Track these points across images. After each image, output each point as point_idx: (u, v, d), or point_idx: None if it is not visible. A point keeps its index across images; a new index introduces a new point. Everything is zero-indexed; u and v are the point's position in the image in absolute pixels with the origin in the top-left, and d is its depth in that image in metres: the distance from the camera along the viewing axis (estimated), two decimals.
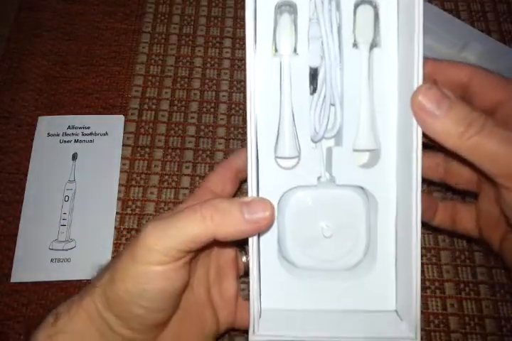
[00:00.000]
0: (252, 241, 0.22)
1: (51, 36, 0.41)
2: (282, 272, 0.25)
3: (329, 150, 0.25)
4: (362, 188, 0.25)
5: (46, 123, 0.37)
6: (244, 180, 0.30)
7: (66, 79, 0.39)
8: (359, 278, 0.25)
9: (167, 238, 0.21)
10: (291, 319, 0.23)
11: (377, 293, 0.25)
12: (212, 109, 0.38)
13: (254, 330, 0.22)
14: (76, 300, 0.22)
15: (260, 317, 0.23)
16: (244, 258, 0.29)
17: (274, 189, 0.24)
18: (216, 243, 0.22)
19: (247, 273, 0.29)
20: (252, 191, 0.22)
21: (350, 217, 0.25)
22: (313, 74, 0.24)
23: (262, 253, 0.24)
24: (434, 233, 0.34)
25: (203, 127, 0.38)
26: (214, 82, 0.39)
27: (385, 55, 0.24)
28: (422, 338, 0.31)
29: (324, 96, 0.24)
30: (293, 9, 0.24)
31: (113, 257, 0.23)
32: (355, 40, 0.24)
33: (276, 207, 0.24)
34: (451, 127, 0.21)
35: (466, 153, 0.21)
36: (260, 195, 0.23)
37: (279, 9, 0.24)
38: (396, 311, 0.24)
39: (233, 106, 0.38)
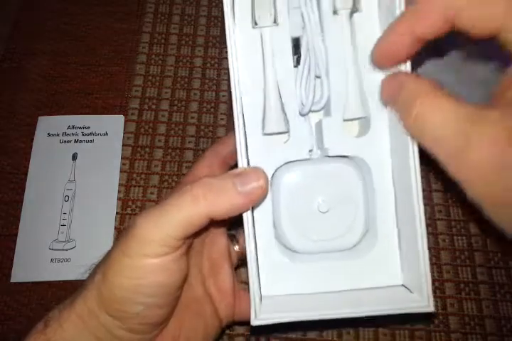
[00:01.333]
0: (247, 223, 0.21)
1: (51, 36, 0.41)
2: (280, 255, 0.24)
3: (319, 122, 0.24)
4: (355, 159, 0.24)
5: (46, 123, 0.37)
6: (232, 167, 0.30)
7: (66, 79, 0.39)
8: (361, 256, 0.24)
9: (161, 226, 0.20)
10: (293, 302, 0.23)
11: (382, 269, 0.24)
12: (212, 109, 0.38)
13: (256, 315, 0.21)
14: (67, 305, 0.21)
15: (261, 301, 0.22)
16: (236, 247, 0.28)
17: (264, 166, 0.23)
18: (213, 224, 0.21)
19: (240, 264, 0.28)
20: (240, 165, 0.22)
21: (346, 190, 0.24)
22: (296, 45, 0.24)
23: (258, 236, 0.23)
24: (434, 233, 0.34)
25: (203, 127, 0.38)
26: (214, 82, 0.39)
27: (366, 20, 0.23)
28: (421, 338, 0.31)
29: (309, 67, 0.23)
30: None
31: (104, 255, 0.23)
32: (334, 7, 0.23)
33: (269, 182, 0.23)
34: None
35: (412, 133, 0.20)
36: None
37: None
38: (403, 285, 0.23)
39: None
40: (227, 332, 0.31)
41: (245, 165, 0.22)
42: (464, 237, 0.34)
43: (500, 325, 0.32)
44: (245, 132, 0.22)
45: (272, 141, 0.24)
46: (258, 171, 0.21)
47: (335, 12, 0.23)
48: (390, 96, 0.21)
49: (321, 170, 0.24)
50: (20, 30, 0.41)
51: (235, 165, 0.31)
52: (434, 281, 0.33)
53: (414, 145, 0.21)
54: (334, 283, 0.24)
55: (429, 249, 0.33)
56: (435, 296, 0.32)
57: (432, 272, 0.33)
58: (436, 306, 0.32)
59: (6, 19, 0.41)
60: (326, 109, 0.24)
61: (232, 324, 0.28)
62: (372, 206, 0.24)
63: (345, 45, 0.24)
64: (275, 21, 0.23)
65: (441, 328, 0.32)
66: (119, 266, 0.20)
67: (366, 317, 0.21)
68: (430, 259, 0.33)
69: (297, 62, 0.24)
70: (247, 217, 0.22)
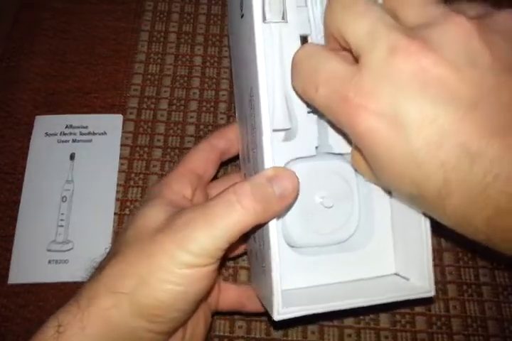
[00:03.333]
0: (274, 225, 0.22)
1: (50, 35, 0.40)
2: (284, 249, 0.24)
3: (324, 119, 0.24)
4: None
5: (44, 123, 0.37)
6: (224, 162, 0.30)
7: (64, 78, 0.39)
8: (359, 248, 0.25)
9: (212, 238, 0.20)
10: (305, 295, 0.23)
11: (378, 260, 0.25)
12: (211, 108, 0.38)
13: (278, 310, 0.21)
14: (83, 308, 0.20)
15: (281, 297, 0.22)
16: None
17: (275, 163, 0.23)
18: None
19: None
20: (267, 164, 0.22)
21: (344, 186, 0.25)
22: (304, 43, 0.24)
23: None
24: (436, 234, 0.34)
25: (202, 126, 0.37)
26: (214, 80, 0.39)
27: None
28: (424, 340, 0.31)
29: None
30: None
31: (115, 255, 0.22)
32: None
33: None
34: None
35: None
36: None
37: None
38: (397, 274, 0.25)
39: (233, 105, 0.38)
40: (228, 334, 0.31)
41: (271, 164, 0.22)
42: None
43: (503, 327, 0.31)
44: (262, 128, 0.22)
45: (279, 137, 0.24)
46: (291, 174, 0.22)
47: None
48: None
49: (323, 166, 0.25)
50: (18, 29, 0.40)
51: (229, 160, 0.30)
52: (436, 283, 0.32)
53: None
54: (335, 275, 0.25)
55: (432, 249, 0.33)
56: (438, 298, 0.32)
57: (435, 273, 0.33)
58: (438, 308, 0.32)
59: (5, 18, 0.41)
60: None
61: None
62: (368, 200, 0.26)
63: None
64: (283, 18, 0.23)
65: (443, 330, 0.31)
66: (166, 273, 0.20)
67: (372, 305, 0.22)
68: (432, 261, 0.33)
69: None
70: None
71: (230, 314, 0.31)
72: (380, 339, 0.31)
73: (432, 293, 0.23)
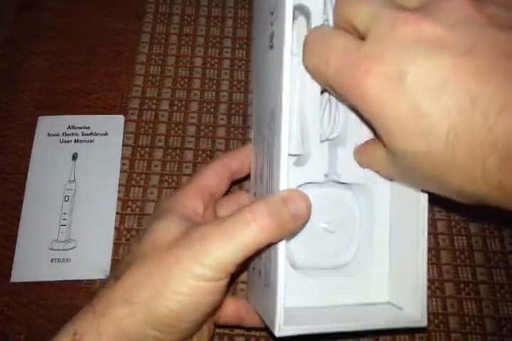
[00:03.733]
0: (282, 244, 0.22)
1: (51, 36, 0.41)
2: (290, 271, 0.25)
3: (335, 149, 0.26)
4: (359, 186, 0.26)
5: (46, 123, 0.37)
6: (235, 182, 0.31)
7: (66, 79, 0.39)
8: (356, 273, 0.26)
9: (228, 254, 0.21)
10: (305, 315, 0.24)
11: (373, 287, 0.26)
12: (212, 109, 0.38)
13: (280, 326, 0.22)
14: (98, 316, 0.21)
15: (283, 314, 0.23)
16: None
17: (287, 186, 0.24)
18: None
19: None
20: (282, 186, 0.22)
21: (347, 214, 0.27)
22: None
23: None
24: (434, 233, 0.34)
25: (203, 127, 0.38)
26: (214, 82, 0.39)
27: None
28: (422, 338, 0.31)
29: (329, 96, 0.25)
30: (306, 12, 0.25)
31: (127, 266, 0.23)
32: None
33: None
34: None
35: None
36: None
37: (294, 12, 0.24)
38: (390, 302, 0.26)
39: (233, 106, 0.38)
40: (227, 332, 0.31)
41: (285, 186, 0.22)
42: (464, 237, 0.34)
43: (501, 325, 0.32)
44: (280, 152, 0.23)
45: (291, 162, 0.25)
46: (305, 196, 0.23)
47: None
48: None
49: (330, 193, 0.27)
50: (19, 30, 0.41)
51: (240, 180, 0.31)
52: (433, 281, 0.33)
53: None
54: (332, 298, 0.26)
55: (429, 249, 0.34)
56: (435, 296, 0.32)
57: (432, 272, 0.33)
58: (436, 306, 0.32)
59: (6, 19, 0.41)
60: (343, 137, 0.26)
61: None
62: (369, 228, 0.27)
63: None
64: None
65: (441, 328, 0.32)
66: (181, 286, 0.21)
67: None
68: (430, 259, 0.34)
69: (324, 90, 0.25)
70: None
71: (229, 327, 0.31)
72: (378, 337, 0.31)
73: (423, 324, 0.24)
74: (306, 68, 0.24)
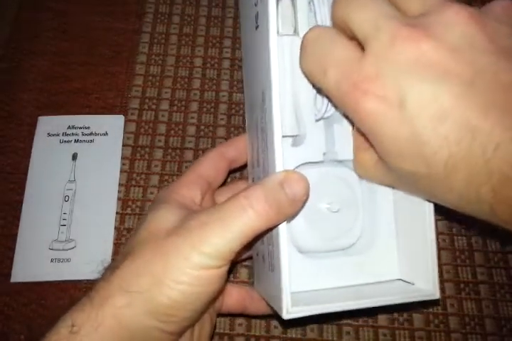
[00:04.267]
0: (284, 227, 0.22)
1: (51, 36, 0.41)
2: (295, 255, 0.25)
3: (331, 127, 0.25)
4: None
5: (46, 123, 0.37)
6: (234, 171, 0.30)
7: (66, 79, 0.39)
8: (363, 253, 0.26)
9: (226, 241, 0.21)
10: (313, 297, 0.24)
11: (382, 265, 0.26)
12: (212, 109, 0.38)
13: (288, 308, 0.22)
14: (96, 307, 0.21)
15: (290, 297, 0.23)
16: None
17: (285, 167, 0.23)
18: None
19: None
20: (278, 167, 0.22)
21: (349, 192, 0.26)
22: None
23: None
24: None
25: (203, 127, 0.38)
26: (214, 82, 0.39)
27: None
28: (422, 338, 0.31)
29: None
30: None
31: (126, 256, 0.22)
32: None
33: None
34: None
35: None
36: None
37: None
38: (401, 279, 0.26)
39: (233, 106, 0.38)
40: (227, 332, 0.31)
41: (281, 167, 0.22)
42: (463, 237, 0.34)
43: (501, 325, 0.32)
44: (275, 133, 0.22)
45: (288, 143, 0.25)
46: (302, 177, 0.22)
47: None
48: None
49: (330, 172, 0.26)
50: (19, 30, 0.41)
51: (239, 169, 0.31)
52: None
53: None
54: (341, 279, 0.25)
55: None
56: None
57: None
58: (436, 306, 0.32)
59: (6, 19, 0.41)
60: (338, 116, 0.25)
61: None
62: (372, 206, 0.26)
63: None
64: (295, 32, 0.24)
65: (441, 328, 0.32)
66: (181, 274, 0.21)
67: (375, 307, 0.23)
68: None
69: None
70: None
71: (232, 315, 0.31)
72: (378, 337, 0.31)
73: (436, 296, 0.23)
74: (302, 71, 0.23)
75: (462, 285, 0.33)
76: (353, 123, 0.25)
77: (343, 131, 0.25)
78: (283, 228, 0.22)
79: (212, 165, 0.28)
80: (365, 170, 0.24)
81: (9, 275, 0.32)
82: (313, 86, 0.24)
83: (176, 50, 0.40)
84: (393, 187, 0.26)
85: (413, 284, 0.25)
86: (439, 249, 0.34)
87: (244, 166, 0.31)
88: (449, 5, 0.19)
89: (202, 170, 0.28)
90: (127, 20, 0.42)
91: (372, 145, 0.21)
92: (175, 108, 0.38)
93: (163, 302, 0.21)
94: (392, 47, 0.19)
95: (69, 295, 0.32)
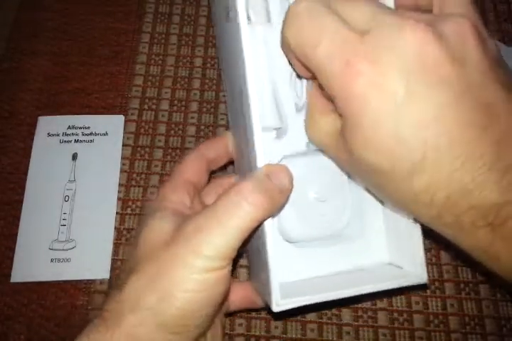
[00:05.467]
0: (268, 221, 0.22)
1: (51, 36, 0.41)
2: (284, 246, 0.25)
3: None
4: None
5: (46, 123, 0.37)
6: (213, 171, 0.30)
7: (66, 79, 0.39)
8: (352, 240, 0.26)
9: (226, 241, 0.21)
10: (302, 286, 0.24)
11: (371, 251, 0.26)
12: (212, 109, 0.38)
13: (277, 301, 0.22)
14: (111, 327, 0.21)
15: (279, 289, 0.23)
16: None
17: (269, 160, 0.23)
18: None
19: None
20: (259, 161, 0.22)
21: (336, 181, 0.26)
22: None
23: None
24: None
25: (203, 127, 0.38)
26: (214, 82, 0.39)
27: None
28: (421, 338, 0.31)
29: None
30: None
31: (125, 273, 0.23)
32: None
33: None
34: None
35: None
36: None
37: None
38: (391, 263, 0.26)
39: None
40: (227, 332, 0.31)
41: (263, 160, 0.22)
42: None
43: (501, 325, 0.32)
44: (252, 127, 0.22)
45: (271, 136, 0.25)
46: (283, 167, 0.23)
47: None
48: None
49: (314, 162, 0.26)
50: (20, 30, 0.41)
51: (219, 169, 0.31)
52: (433, 281, 0.33)
53: None
54: (331, 266, 0.25)
55: (430, 248, 0.34)
56: (435, 296, 0.32)
57: (432, 272, 0.33)
58: (436, 306, 0.32)
59: (6, 19, 0.41)
60: None
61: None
62: (359, 191, 0.27)
63: None
64: (268, 20, 0.24)
65: (441, 328, 0.32)
66: (186, 283, 0.21)
67: (368, 294, 0.23)
68: (430, 259, 0.33)
69: None
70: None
71: (232, 315, 0.31)
72: (378, 337, 0.31)
73: (424, 280, 0.24)
74: (284, 40, 0.22)
75: (462, 285, 0.33)
76: (320, 86, 0.23)
77: None
78: (268, 221, 0.22)
79: (195, 168, 0.28)
80: (317, 134, 0.24)
81: (9, 275, 0.32)
82: (293, 70, 0.24)
83: (175, 50, 0.40)
84: (337, 164, 0.26)
85: (401, 268, 0.25)
86: (439, 248, 0.34)
87: (224, 167, 0.31)
88: (453, 16, 0.20)
89: (186, 175, 0.28)
90: (127, 20, 0.42)
91: (339, 116, 0.21)
92: (175, 108, 0.38)
93: (173, 313, 0.20)
94: (398, 35, 0.18)
95: (69, 295, 0.32)
